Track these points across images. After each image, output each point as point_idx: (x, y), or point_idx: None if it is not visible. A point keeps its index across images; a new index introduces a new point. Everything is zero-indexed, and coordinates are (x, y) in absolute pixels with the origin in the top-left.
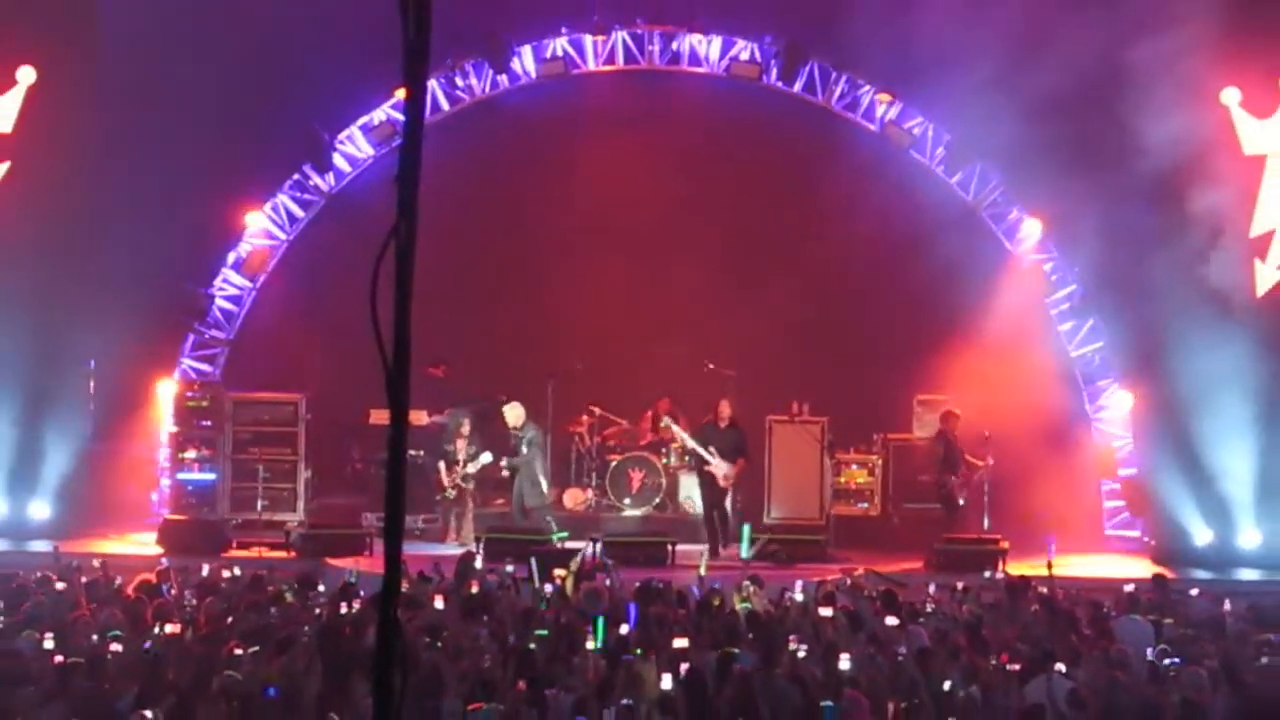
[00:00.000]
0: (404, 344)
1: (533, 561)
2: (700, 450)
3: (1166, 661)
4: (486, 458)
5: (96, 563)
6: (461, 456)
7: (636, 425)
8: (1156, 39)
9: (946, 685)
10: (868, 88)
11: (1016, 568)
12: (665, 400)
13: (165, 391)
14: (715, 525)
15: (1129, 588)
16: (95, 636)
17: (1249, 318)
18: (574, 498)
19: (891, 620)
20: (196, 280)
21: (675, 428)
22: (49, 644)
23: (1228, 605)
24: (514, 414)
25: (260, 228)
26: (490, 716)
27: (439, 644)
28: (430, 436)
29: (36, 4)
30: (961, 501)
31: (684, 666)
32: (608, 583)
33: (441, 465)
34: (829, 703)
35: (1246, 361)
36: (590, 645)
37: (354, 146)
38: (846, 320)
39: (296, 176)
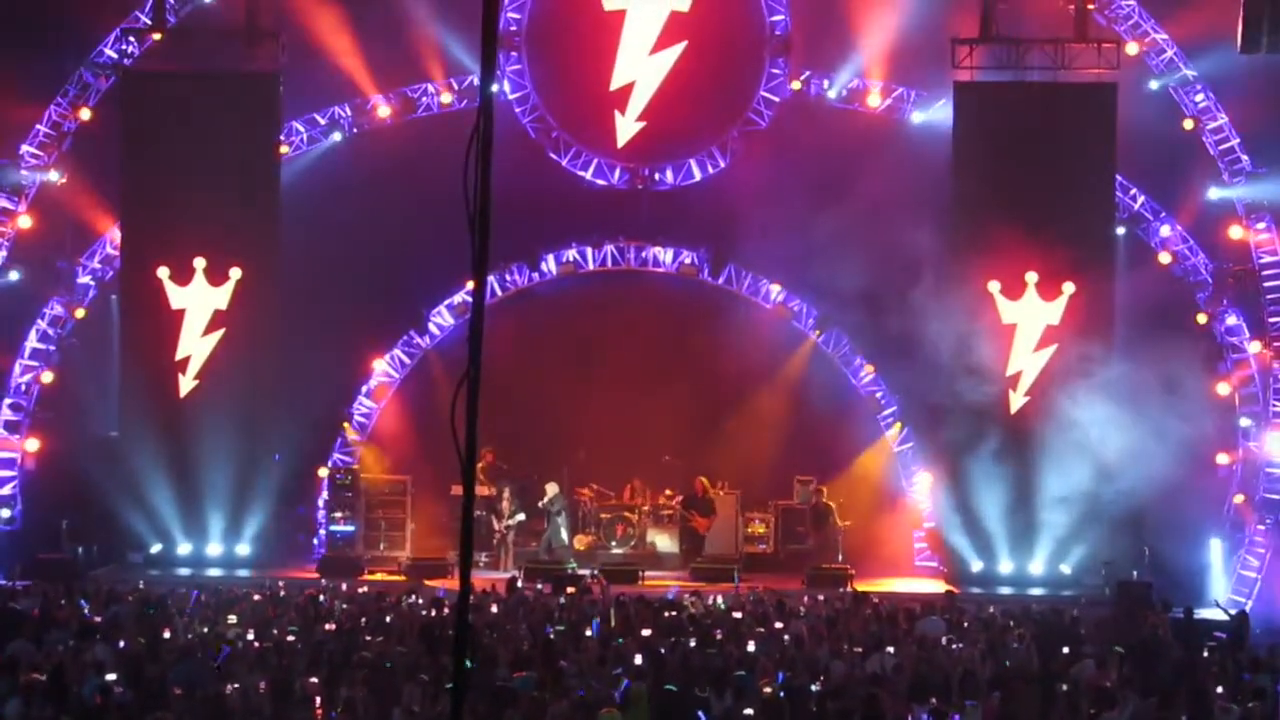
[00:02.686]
0: (472, 445)
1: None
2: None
3: (954, 646)
4: (521, 517)
5: (280, 583)
6: (506, 514)
7: (619, 495)
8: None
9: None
10: (764, 279)
11: (860, 585)
12: (636, 480)
13: (322, 474)
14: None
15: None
16: (276, 630)
17: (1003, 427)
18: (581, 540)
19: (779, 622)
20: (341, 397)
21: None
22: (250, 635)
23: (992, 609)
24: (551, 489)
25: (382, 370)
26: (528, 683)
27: (494, 634)
28: (487, 500)
29: (243, 228)
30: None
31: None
32: (601, 593)
33: (494, 519)
34: (742, 672)
35: (1003, 450)
36: (588, 633)
37: (441, 317)
38: (752, 428)
39: (405, 337)
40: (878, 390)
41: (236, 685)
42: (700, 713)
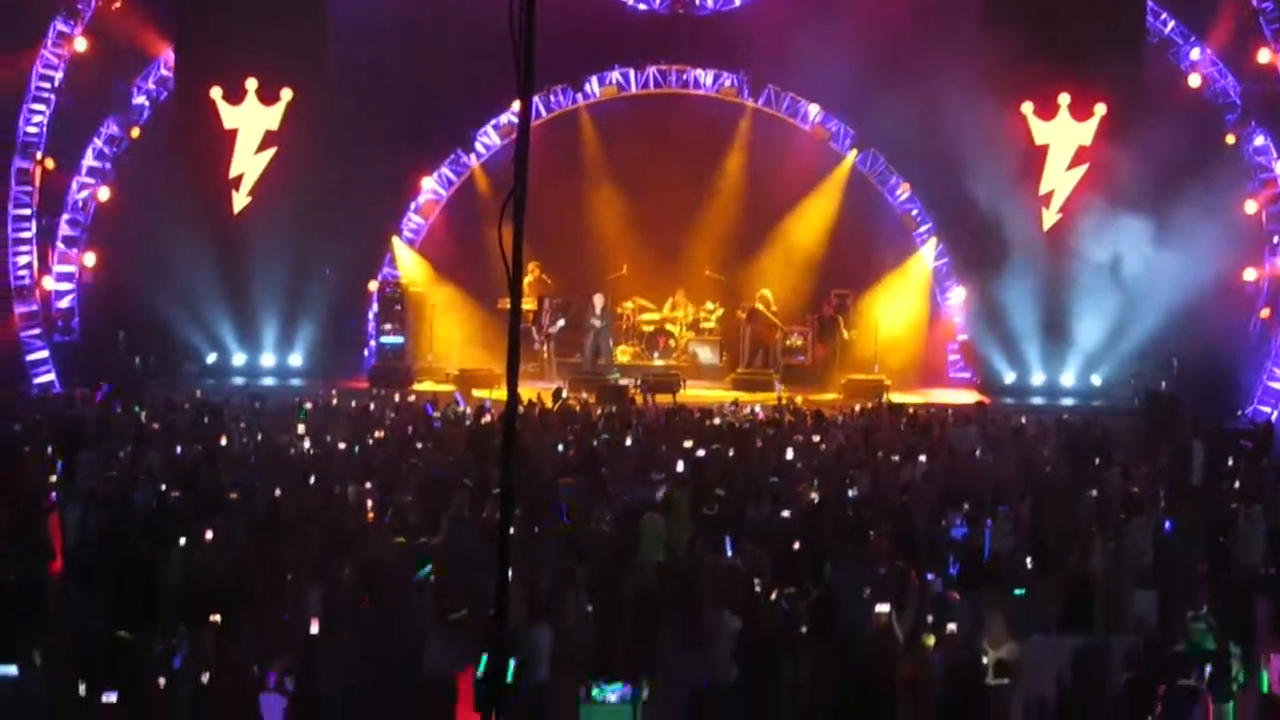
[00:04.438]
0: (518, 260)
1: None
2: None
3: (986, 455)
4: (561, 323)
5: (332, 393)
6: (546, 325)
7: (661, 308)
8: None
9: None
10: (803, 101)
11: (895, 396)
12: (678, 293)
13: (371, 287)
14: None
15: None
16: (329, 439)
17: (1036, 243)
18: (623, 352)
19: (815, 433)
20: (389, 213)
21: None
22: (305, 443)
23: (1024, 419)
24: (597, 302)
25: (430, 188)
26: (573, 491)
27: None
28: (532, 314)
29: (294, 49)
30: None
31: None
32: (643, 403)
33: (534, 331)
34: (775, 479)
35: (1036, 265)
36: (628, 443)
37: (488, 137)
38: (790, 244)
39: (452, 155)
40: (913, 208)
41: (290, 491)
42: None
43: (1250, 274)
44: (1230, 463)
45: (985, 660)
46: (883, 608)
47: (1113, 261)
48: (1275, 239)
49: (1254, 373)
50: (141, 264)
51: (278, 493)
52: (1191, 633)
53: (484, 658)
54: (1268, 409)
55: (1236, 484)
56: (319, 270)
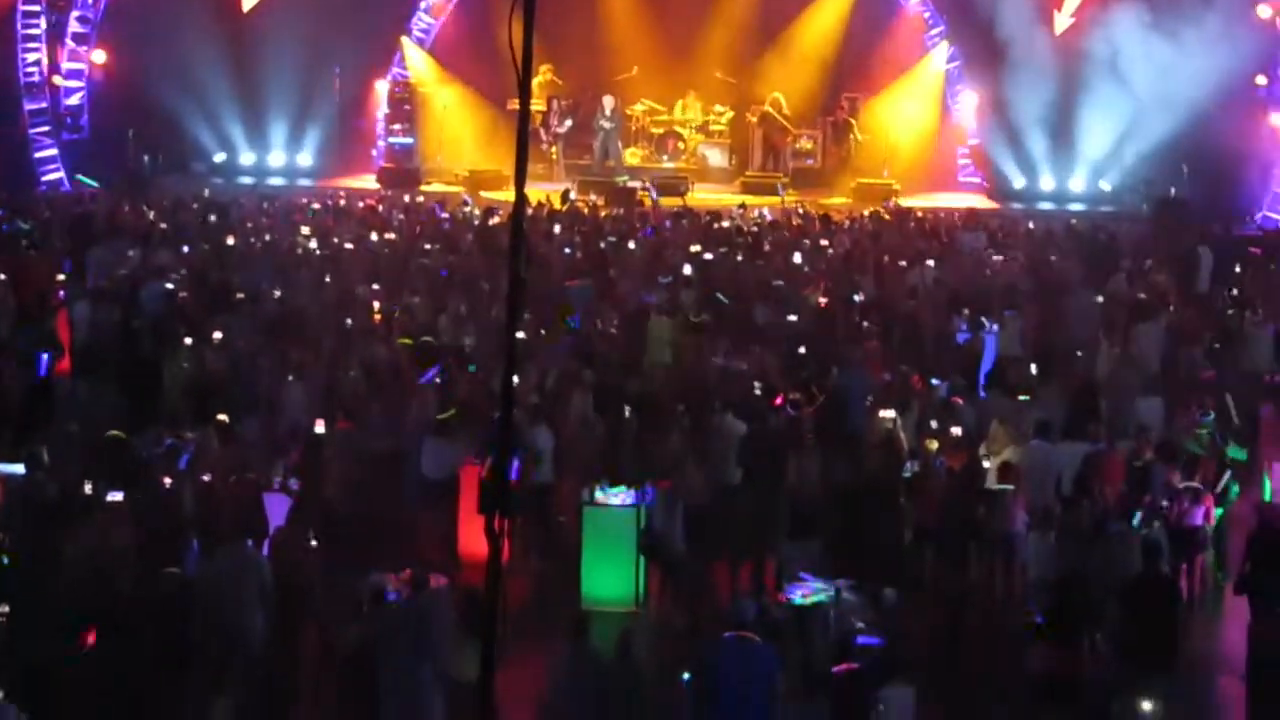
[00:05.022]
0: (527, 61)
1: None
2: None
3: (995, 257)
4: (570, 123)
5: (341, 193)
6: (554, 125)
7: (671, 110)
8: None
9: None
10: None
11: (904, 200)
12: (688, 95)
13: (381, 87)
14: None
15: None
16: (337, 239)
17: (1048, 46)
18: (632, 154)
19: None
20: (400, 12)
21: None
22: (313, 244)
23: (1030, 224)
24: (607, 103)
25: None
26: (584, 290)
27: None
28: (541, 115)
29: None
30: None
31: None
32: (652, 200)
33: (541, 131)
34: (780, 282)
35: (1047, 69)
36: (632, 247)
37: None
38: (801, 47)
39: None
40: (925, 11)
41: (297, 292)
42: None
43: (1262, 80)
44: (1238, 269)
45: (987, 464)
46: (887, 413)
47: (1123, 65)
48: None
49: (1263, 179)
50: (151, 62)
51: (284, 293)
52: (1197, 437)
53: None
54: (1277, 216)
55: (1238, 291)
56: (329, 69)
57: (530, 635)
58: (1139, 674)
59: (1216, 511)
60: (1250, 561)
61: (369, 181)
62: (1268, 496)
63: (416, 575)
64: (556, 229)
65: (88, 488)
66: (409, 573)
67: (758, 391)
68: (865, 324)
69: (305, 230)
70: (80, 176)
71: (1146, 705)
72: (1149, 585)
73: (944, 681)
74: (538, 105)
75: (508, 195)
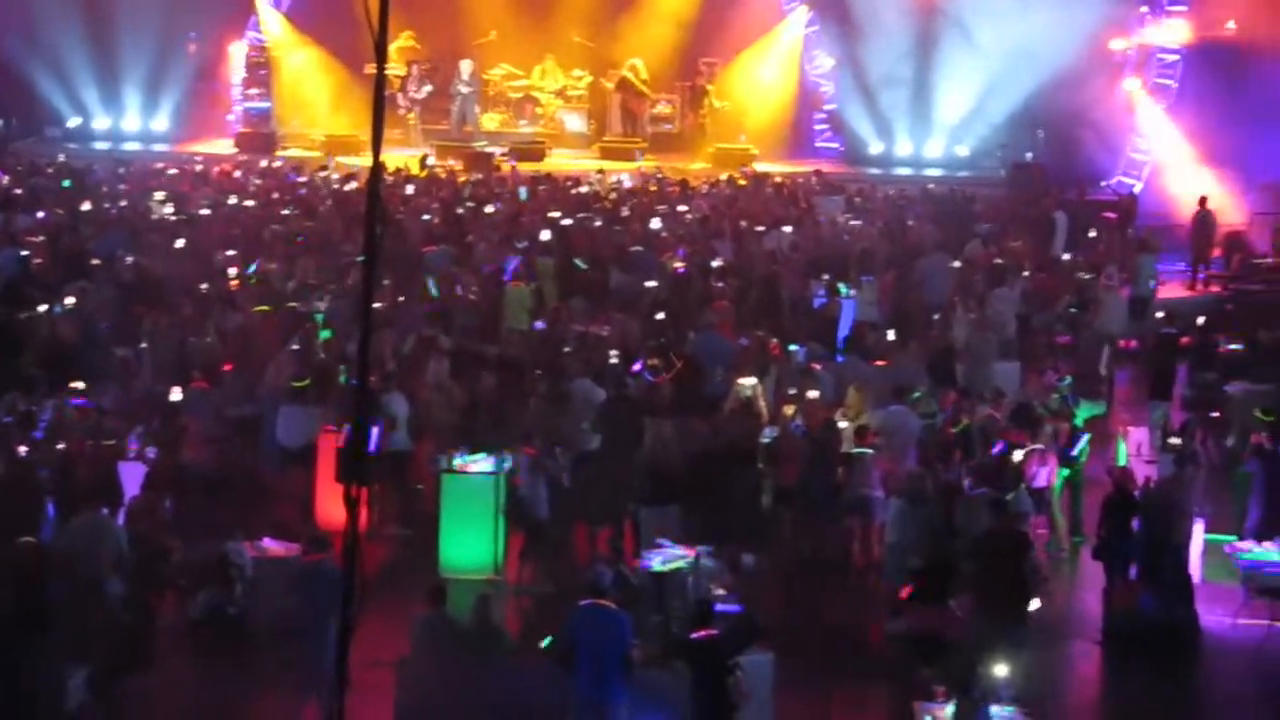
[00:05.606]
0: (383, 25)
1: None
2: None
3: (852, 221)
4: (430, 88)
5: (199, 158)
6: (412, 89)
7: (528, 74)
8: None
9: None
10: None
11: (762, 165)
12: (547, 60)
13: (236, 51)
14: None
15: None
16: (193, 205)
17: (908, 12)
18: (490, 119)
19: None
20: None
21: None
22: (168, 209)
23: (887, 190)
24: (465, 67)
25: None
26: (442, 256)
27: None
28: (400, 80)
29: None
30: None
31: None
32: (510, 171)
33: (400, 96)
34: (640, 248)
35: (905, 34)
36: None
37: None
38: (659, 10)
39: None
40: None
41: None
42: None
43: (1118, 43)
44: (1093, 234)
45: (844, 428)
46: (747, 380)
47: (981, 32)
48: (1143, 8)
49: (1118, 144)
50: (3, 25)
51: (140, 259)
52: (1051, 401)
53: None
54: (1131, 180)
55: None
56: (183, 33)
57: (389, 603)
58: (994, 626)
59: (1062, 472)
60: (1104, 526)
61: (225, 146)
62: (1122, 461)
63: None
64: (411, 191)
65: None
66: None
67: (615, 358)
68: (721, 288)
69: (160, 195)
70: None
71: (1001, 670)
72: (999, 537)
73: (803, 645)
74: (396, 70)
75: (365, 160)
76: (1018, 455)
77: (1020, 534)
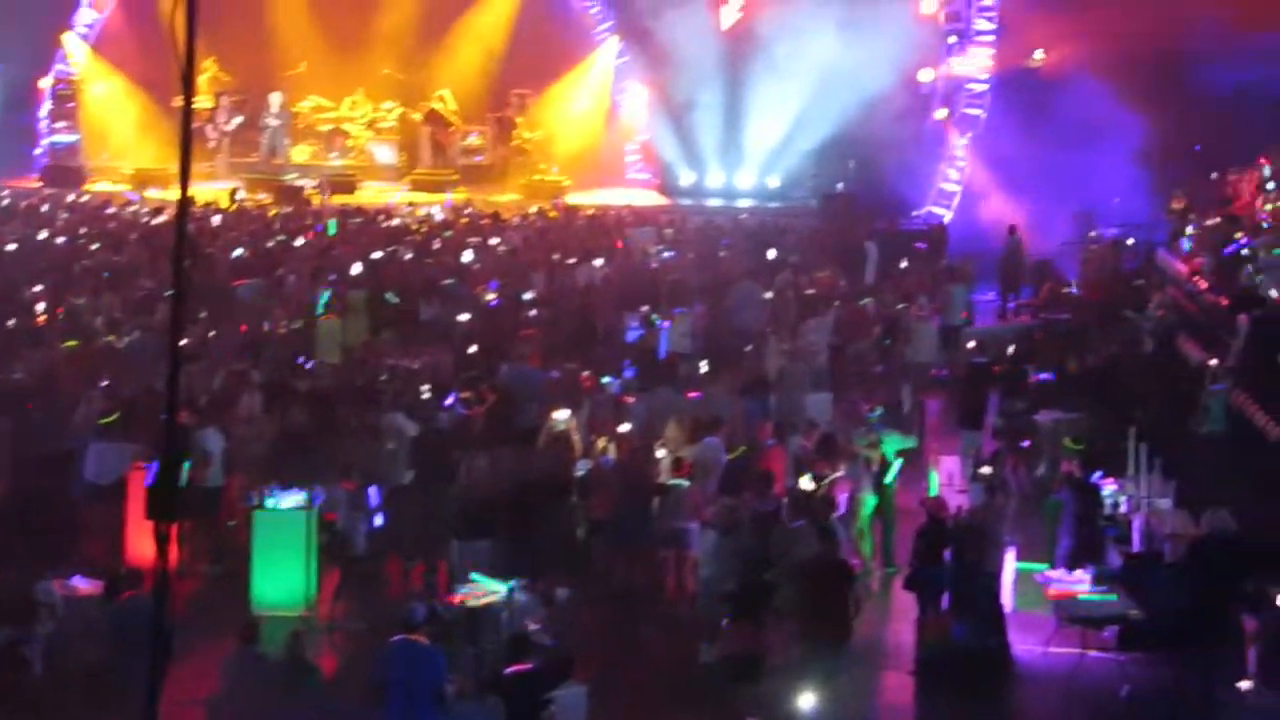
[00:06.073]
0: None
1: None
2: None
3: (665, 253)
4: (240, 119)
5: (5, 192)
6: (222, 122)
7: (338, 106)
8: None
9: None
10: None
11: (573, 197)
12: (357, 92)
13: (44, 84)
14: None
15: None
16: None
17: (719, 42)
18: (300, 152)
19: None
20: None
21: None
22: None
23: (702, 221)
24: (274, 100)
25: None
26: (250, 290)
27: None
28: (209, 112)
29: None
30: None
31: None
32: (325, 198)
33: (209, 128)
34: (450, 280)
35: (715, 64)
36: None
37: None
38: (470, 42)
39: None
40: (594, 6)
41: None
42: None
43: (927, 74)
44: (904, 264)
45: (661, 461)
46: (561, 413)
47: (791, 61)
48: (952, 39)
49: (928, 174)
50: None
51: None
52: (864, 432)
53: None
54: (941, 210)
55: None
56: None
57: (200, 640)
58: (814, 653)
59: (872, 500)
60: (916, 556)
61: (32, 181)
62: (933, 490)
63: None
64: (217, 222)
65: None
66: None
67: (427, 392)
68: (533, 321)
69: None
70: None
71: (813, 697)
72: (823, 566)
73: (617, 678)
74: (204, 102)
75: (175, 194)
76: (805, 483)
77: (845, 563)
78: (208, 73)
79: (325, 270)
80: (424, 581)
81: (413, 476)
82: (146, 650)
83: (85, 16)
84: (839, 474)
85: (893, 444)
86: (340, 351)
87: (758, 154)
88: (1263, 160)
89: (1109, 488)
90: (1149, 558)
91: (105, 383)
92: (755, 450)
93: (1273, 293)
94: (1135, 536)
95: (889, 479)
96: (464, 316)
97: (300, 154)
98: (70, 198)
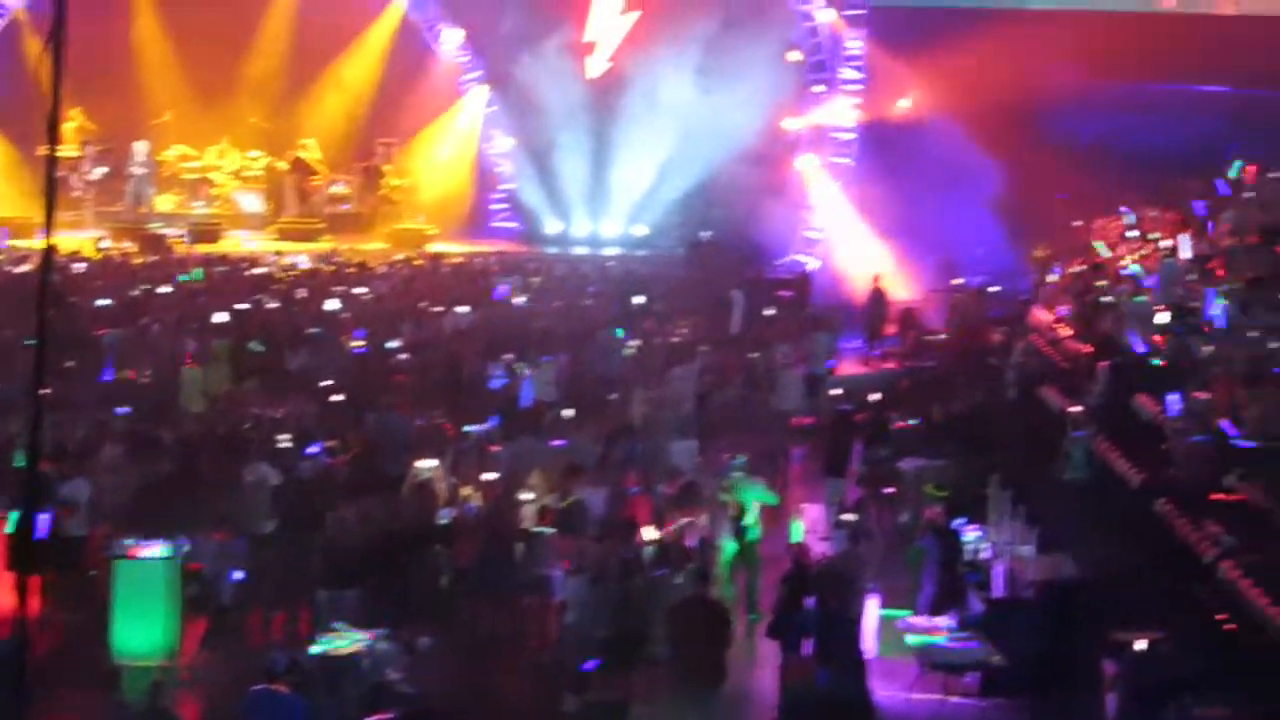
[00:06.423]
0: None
1: None
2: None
3: (530, 301)
4: (105, 170)
5: None
6: (87, 171)
7: (204, 155)
8: None
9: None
10: None
11: (439, 245)
12: (225, 139)
13: None
14: None
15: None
16: None
17: (586, 92)
18: (165, 200)
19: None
20: None
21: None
22: None
23: (566, 268)
24: (140, 149)
25: None
26: (116, 338)
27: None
28: (73, 160)
29: None
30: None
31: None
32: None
33: (74, 177)
34: (317, 329)
35: (582, 114)
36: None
37: None
38: (336, 92)
39: None
40: (463, 55)
41: None
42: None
43: (793, 123)
44: (769, 312)
45: (526, 509)
46: (427, 461)
47: (659, 110)
48: (818, 88)
49: (794, 222)
50: None
51: None
52: (728, 480)
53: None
54: (807, 258)
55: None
56: None
57: (60, 690)
58: (686, 697)
59: (732, 546)
60: (780, 603)
61: None
62: (797, 537)
63: None
64: (85, 272)
65: None
66: None
67: (290, 440)
68: (399, 369)
69: None
70: None
71: None
72: (698, 609)
73: None
74: (70, 150)
75: (39, 243)
76: (650, 533)
77: (720, 604)
78: (74, 121)
79: (190, 319)
80: (285, 631)
81: (276, 525)
82: (5, 699)
83: None
84: (687, 521)
85: (751, 493)
86: (204, 400)
87: (624, 202)
88: (1124, 209)
89: (971, 534)
90: (1010, 604)
91: None
92: (621, 498)
93: (1134, 340)
94: (997, 583)
95: (748, 525)
96: (329, 365)
97: (165, 203)
98: None
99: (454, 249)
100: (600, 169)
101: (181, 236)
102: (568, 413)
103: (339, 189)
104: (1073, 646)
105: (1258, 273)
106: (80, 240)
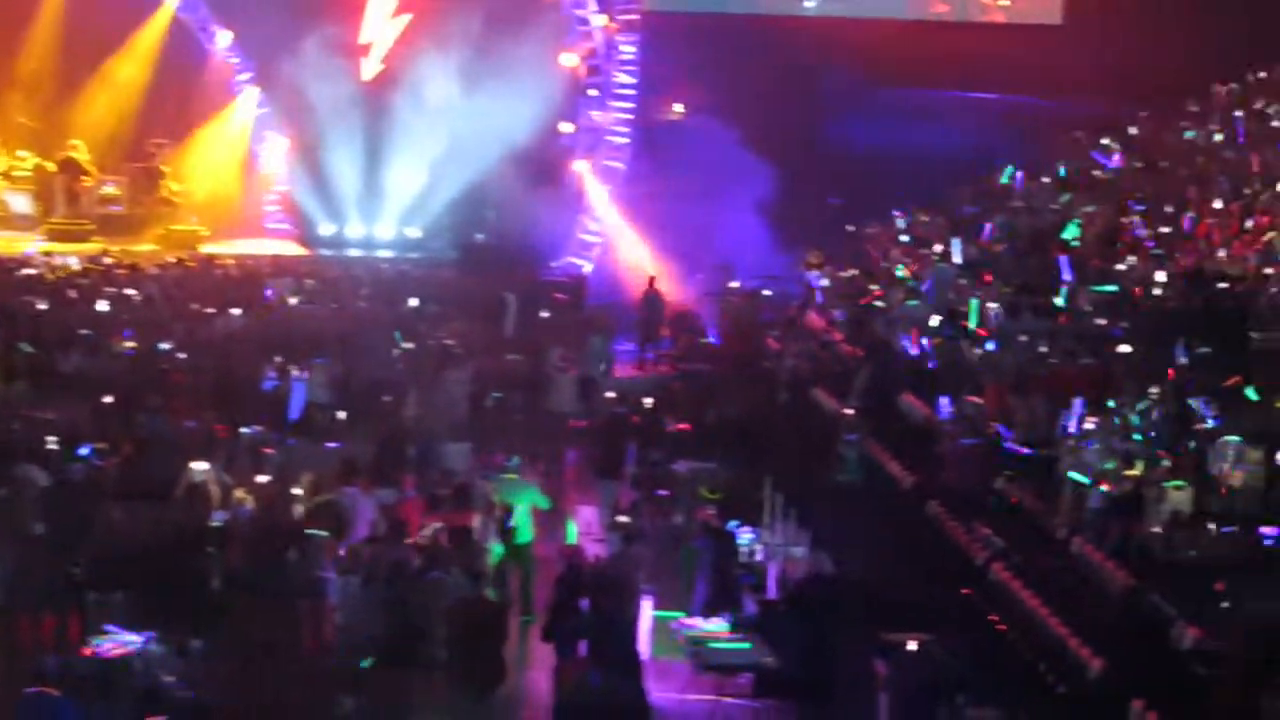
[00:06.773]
0: None
1: None
2: None
3: (304, 304)
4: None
5: None
6: None
7: None
8: None
9: None
10: None
11: (212, 246)
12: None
13: None
14: None
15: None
16: None
17: (359, 93)
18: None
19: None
20: None
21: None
22: None
23: (339, 271)
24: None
25: None
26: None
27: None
28: None
29: None
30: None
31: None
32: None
33: None
34: (88, 331)
35: (356, 115)
36: None
37: None
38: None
39: None
40: (234, 56)
41: None
42: None
43: (567, 126)
44: (544, 314)
45: (299, 510)
46: (200, 465)
47: (433, 112)
48: (592, 92)
49: (568, 225)
50: None
51: None
52: (498, 482)
53: None
54: (581, 261)
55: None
56: None
57: None
58: (464, 698)
59: (498, 549)
60: (554, 605)
61: None
62: (571, 539)
63: None
64: None
65: None
66: None
67: (58, 443)
68: (171, 370)
69: None
70: None
71: None
72: (475, 609)
73: None
74: None
75: None
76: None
77: (497, 604)
78: None
79: None
80: (55, 635)
81: (44, 528)
82: None
83: None
84: (440, 525)
85: (523, 495)
86: None
87: (398, 205)
88: (897, 215)
89: (745, 536)
90: (783, 605)
91: None
92: (394, 500)
93: (905, 343)
94: (770, 584)
95: (515, 526)
96: (100, 366)
97: None
98: None
99: (227, 251)
100: (374, 172)
101: None
102: (341, 415)
103: (109, 190)
104: (841, 646)
105: (1026, 279)
106: None
